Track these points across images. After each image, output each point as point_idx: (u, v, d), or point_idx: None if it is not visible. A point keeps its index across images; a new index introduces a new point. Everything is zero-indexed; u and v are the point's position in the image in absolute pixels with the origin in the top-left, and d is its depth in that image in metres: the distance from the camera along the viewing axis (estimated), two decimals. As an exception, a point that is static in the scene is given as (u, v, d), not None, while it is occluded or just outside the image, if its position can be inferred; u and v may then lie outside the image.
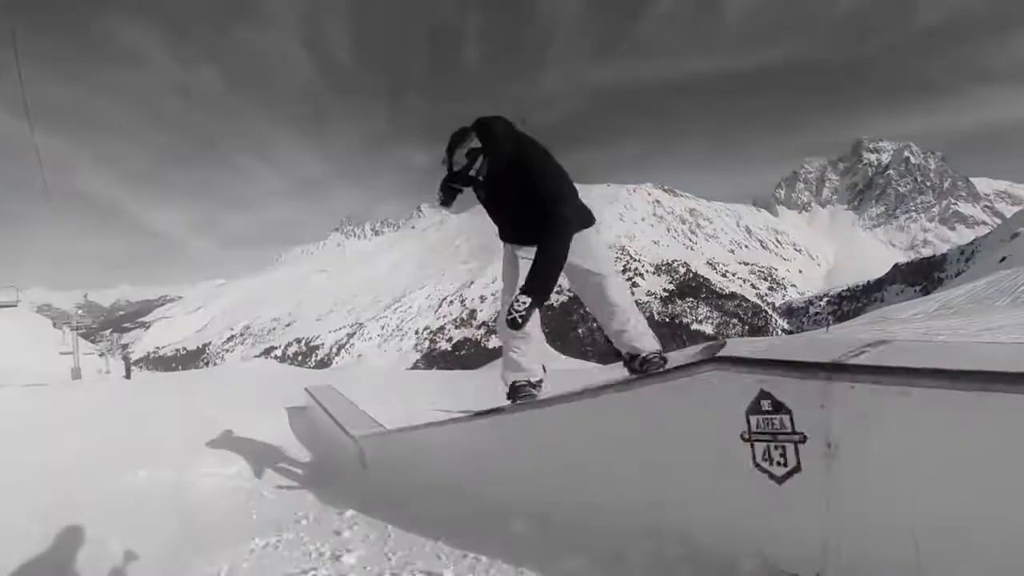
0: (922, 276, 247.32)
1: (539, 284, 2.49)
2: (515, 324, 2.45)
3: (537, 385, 3.02)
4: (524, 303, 2.44)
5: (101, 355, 40.31)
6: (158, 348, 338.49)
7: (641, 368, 2.75)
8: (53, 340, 33.91)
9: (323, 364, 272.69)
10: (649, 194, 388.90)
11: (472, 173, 2.69)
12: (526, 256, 2.77)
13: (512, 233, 2.94)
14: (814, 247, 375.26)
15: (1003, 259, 69.70)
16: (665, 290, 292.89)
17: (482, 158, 2.66)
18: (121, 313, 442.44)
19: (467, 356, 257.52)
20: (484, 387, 9.67)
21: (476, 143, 2.63)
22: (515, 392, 2.99)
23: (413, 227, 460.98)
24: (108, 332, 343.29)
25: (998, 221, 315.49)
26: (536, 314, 2.71)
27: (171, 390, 10.88)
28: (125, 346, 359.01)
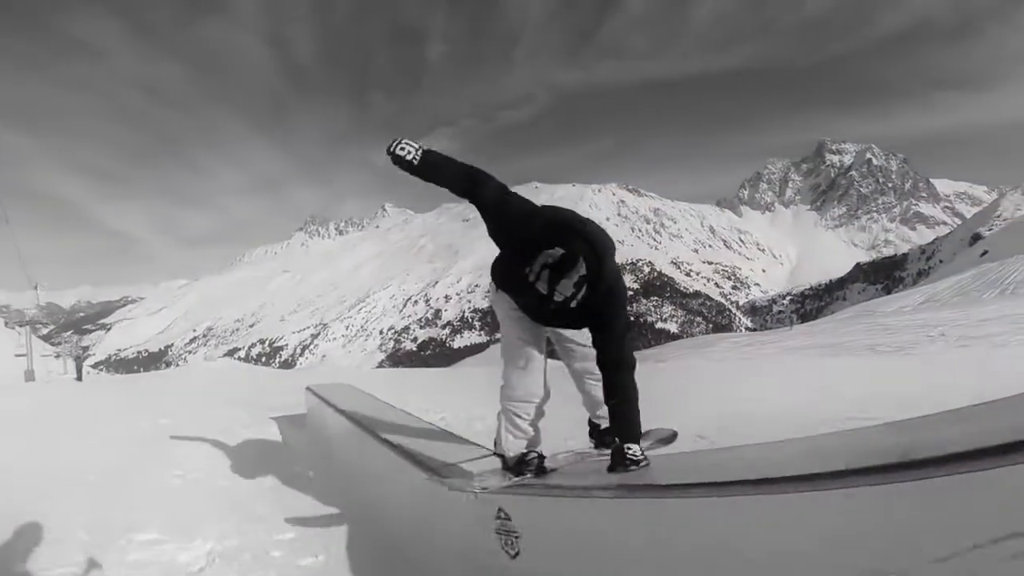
0: (883, 275, 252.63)
1: (634, 428, 2.39)
2: (635, 462, 2.27)
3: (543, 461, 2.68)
4: (635, 453, 2.31)
5: (58, 356, 39.92)
6: (119, 350, 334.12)
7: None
8: (10, 341, 33.19)
9: (287, 365, 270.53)
10: (614, 194, 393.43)
11: (573, 305, 2.23)
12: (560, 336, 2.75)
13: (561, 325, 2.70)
14: (777, 247, 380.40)
15: (984, 253, 69.74)
16: (630, 289, 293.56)
17: (585, 288, 2.20)
18: (81, 314, 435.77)
19: (432, 356, 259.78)
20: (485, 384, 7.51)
21: (583, 271, 2.15)
22: (523, 465, 2.61)
23: (377, 227, 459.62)
24: (68, 334, 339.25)
25: (958, 221, 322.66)
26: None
27: (118, 394, 10.24)
28: (85, 348, 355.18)
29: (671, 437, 2.87)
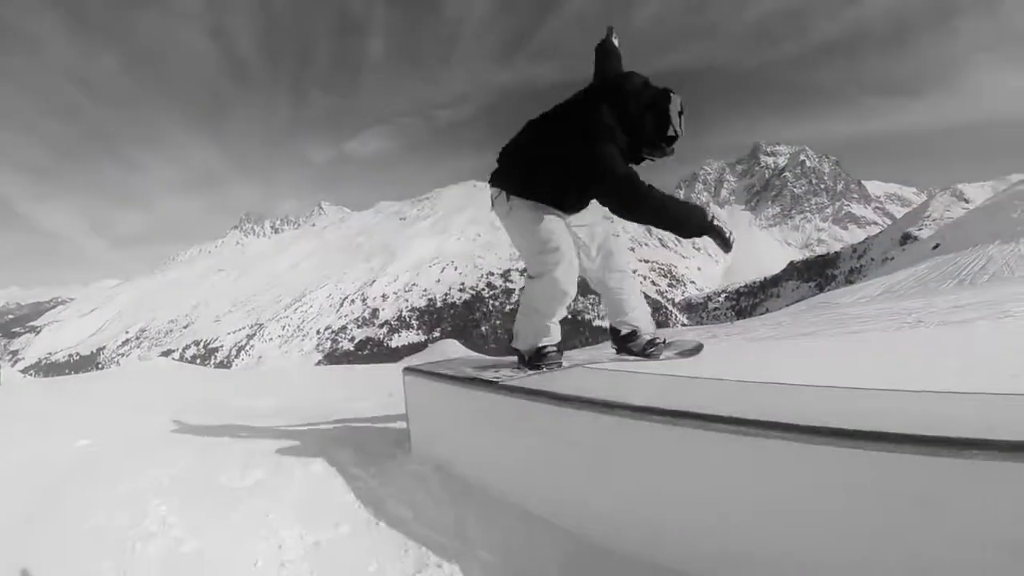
0: (816, 273, 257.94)
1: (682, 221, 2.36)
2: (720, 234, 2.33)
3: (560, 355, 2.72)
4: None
5: None
6: (50, 353, 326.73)
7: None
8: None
9: (223, 366, 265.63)
10: None
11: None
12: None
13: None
14: (712, 245, 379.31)
15: (936, 246, 71.52)
16: None
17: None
18: (10, 316, 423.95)
19: (370, 355, 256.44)
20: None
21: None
22: (541, 357, 2.66)
23: (314, 225, 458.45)
24: None
25: (888, 222, 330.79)
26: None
27: (37, 402, 8.22)
28: (14, 352, 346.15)
29: (695, 349, 2.80)
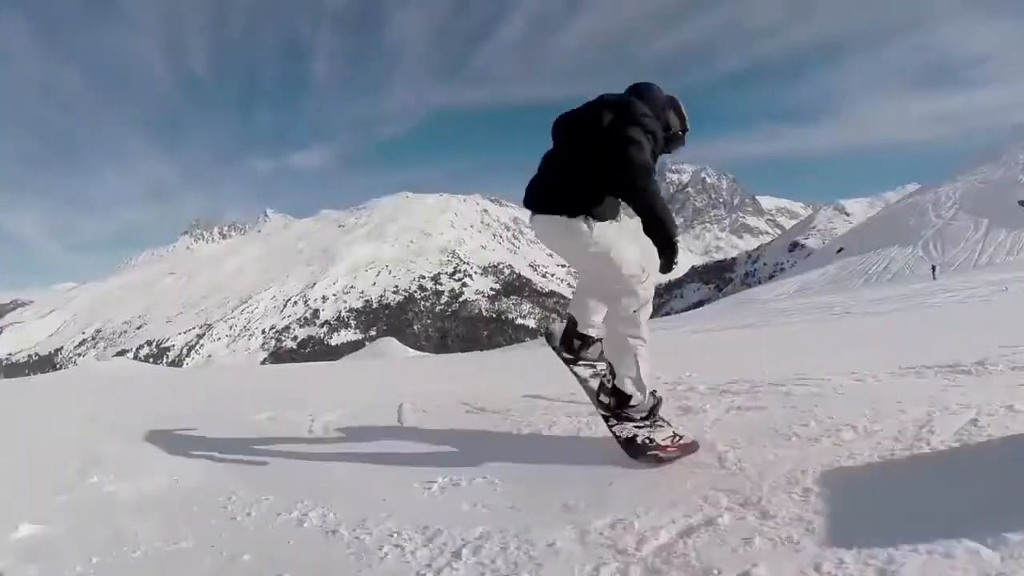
0: (715, 276, 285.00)
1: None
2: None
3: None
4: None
5: None
6: (10, 355, 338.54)
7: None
8: None
9: (174, 365, 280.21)
10: (478, 204, 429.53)
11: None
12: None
13: None
14: None
15: (840, 249, 74.29)
16: (492, 289, 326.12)
17: None
18: None
19: (311, 354, 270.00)
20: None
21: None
22: (658, 405, 2.60)
23: (259, 231, 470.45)
24: None
25: (779, 232, 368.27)
26: None
27: None
28: None
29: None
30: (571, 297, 2.93)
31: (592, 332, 2.82)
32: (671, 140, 2.59)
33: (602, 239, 2.48)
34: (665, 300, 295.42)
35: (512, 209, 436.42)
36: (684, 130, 2.63)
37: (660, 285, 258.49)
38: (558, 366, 2.78)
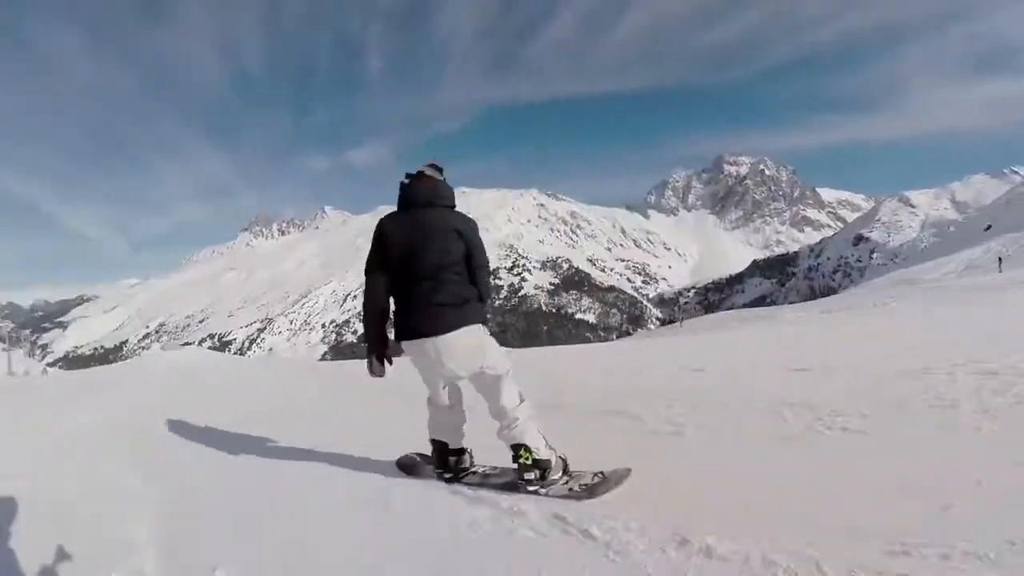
0: (777, 270, 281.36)
1: None
2: None
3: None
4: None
5: (4, 350, 39.45)
6: (76, 347, 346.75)
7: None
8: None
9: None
10: (534, 198, 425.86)
11: None
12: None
13: None
14: (681, 246, 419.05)
15: (988, 227, 72.02)
16: (551, 284, 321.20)
17: None
18: (40, 314, 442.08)
19: None
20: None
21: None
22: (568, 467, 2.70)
23: (317, 228, 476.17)
24: (28, 332, 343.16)
25: (840, 225, 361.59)
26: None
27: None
28: (44, 346, 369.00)
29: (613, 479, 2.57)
30: (429, 424, 2.88)
31: (464, 443, 2.89)
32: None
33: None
34: (726, 295, 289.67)
35: (569, 203, 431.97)
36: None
37: (720, 280, 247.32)
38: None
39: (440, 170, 2.71)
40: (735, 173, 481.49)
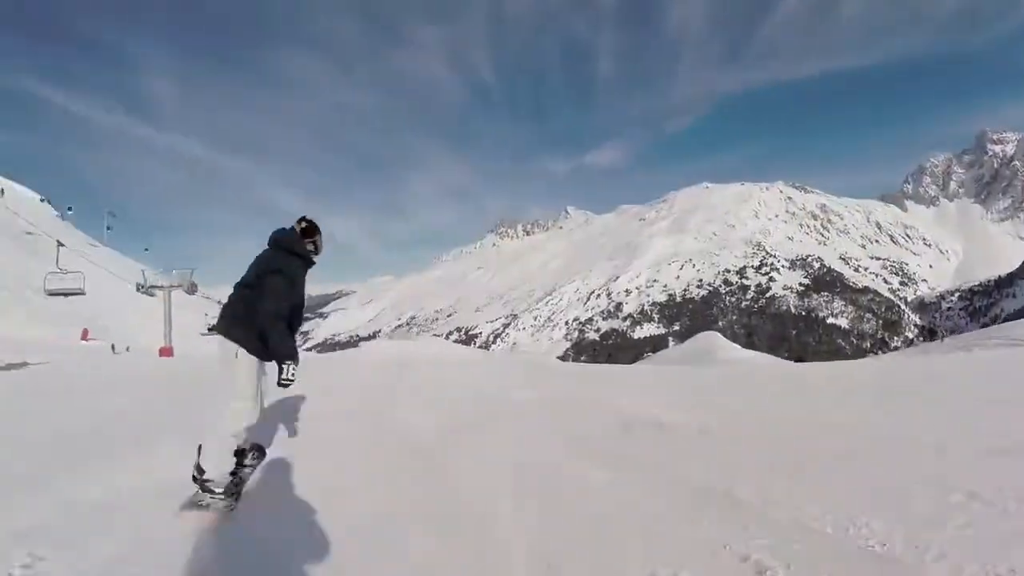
0: None
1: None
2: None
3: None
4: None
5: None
6: (334, 335, 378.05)
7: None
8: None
9: (483, 349, 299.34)
10: (781, 191, 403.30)
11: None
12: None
13: None
14: (943, 242, 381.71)
15: None
16: (801, 284, 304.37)
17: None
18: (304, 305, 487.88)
19: (614, 345, 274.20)
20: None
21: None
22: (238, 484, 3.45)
23: (560, 227, 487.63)
24: None
25: None
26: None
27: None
28: (305, 333, 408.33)
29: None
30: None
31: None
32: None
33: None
34: (995, 300, 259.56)
35: (818, 196, 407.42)
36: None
37: (988, 282, 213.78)
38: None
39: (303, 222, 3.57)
40: (1001, 153, 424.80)
